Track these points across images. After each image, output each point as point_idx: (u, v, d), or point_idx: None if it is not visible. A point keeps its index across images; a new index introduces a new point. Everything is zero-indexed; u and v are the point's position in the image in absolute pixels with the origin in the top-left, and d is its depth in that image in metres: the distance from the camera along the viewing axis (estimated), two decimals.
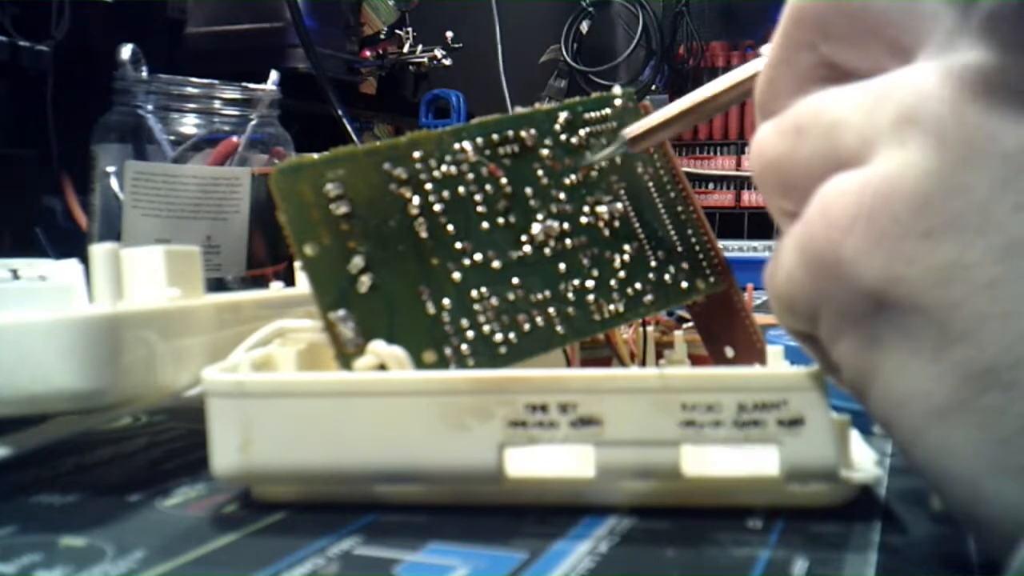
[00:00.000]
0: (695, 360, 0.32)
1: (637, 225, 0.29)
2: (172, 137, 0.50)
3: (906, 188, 0.15)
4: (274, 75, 0.52)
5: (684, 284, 0.29)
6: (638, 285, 0.28)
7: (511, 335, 0.25)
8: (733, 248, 1.10)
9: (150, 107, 0.49)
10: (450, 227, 0.25)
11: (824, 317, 0.17)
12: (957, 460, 0.15)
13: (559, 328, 0.26)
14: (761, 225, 2.17)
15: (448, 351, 0.24)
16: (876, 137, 0.16)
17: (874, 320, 0.16)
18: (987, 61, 0.15)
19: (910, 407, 0.16)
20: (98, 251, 0.25)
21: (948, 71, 0.15)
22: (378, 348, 0.22)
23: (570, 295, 0.26)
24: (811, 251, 0.17)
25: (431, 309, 0.24)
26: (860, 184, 0.16)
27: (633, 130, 0.27)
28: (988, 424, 0.15)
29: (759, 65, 0.23)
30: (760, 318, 0.30)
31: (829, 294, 0.17)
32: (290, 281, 0.33)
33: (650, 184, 0.30)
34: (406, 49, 1.12)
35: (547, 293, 0.26)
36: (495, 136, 0.27)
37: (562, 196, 0.27)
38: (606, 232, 0.28)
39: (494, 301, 0.25)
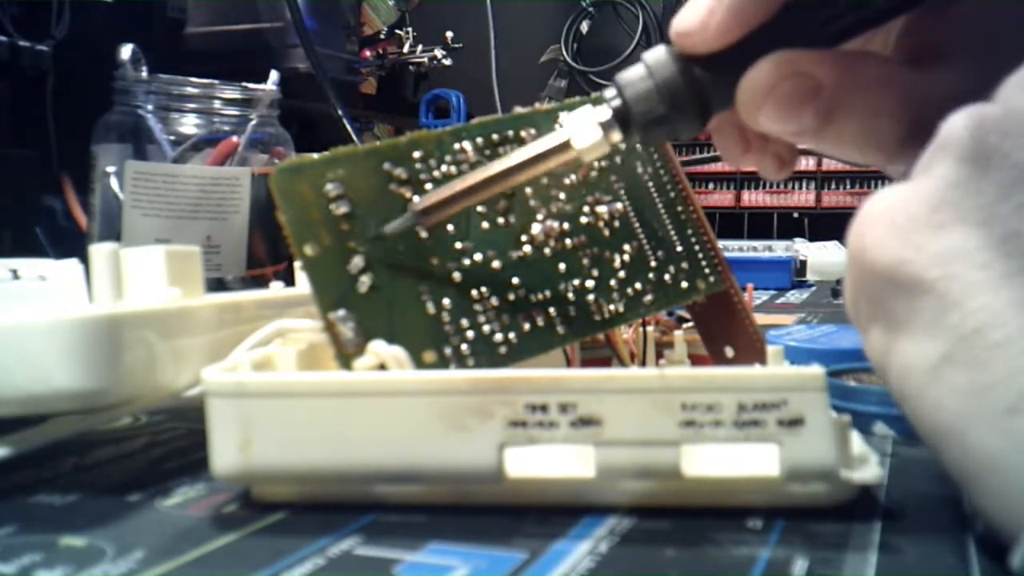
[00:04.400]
0: (695, 360, 0.32)
1: (637, 225, 0.29)
2: (172, 137, 0.50)
3: (926, 193, 0.18)
4: (274, 75, 0.52)
5: (684, 284, 0.29)
6: (638, 285, 0.28)
7: (511, 335, 0.25)
8: (733, 248, 1.10)
9: (150, 107, 0.49)
10: (450, 227, 0.25)
11: (861, 307, 0.20)
12: (948, 413, 0.17)
13: (559, 328, 0.26)
14: (761, 225, 2.17)
15: (448, 351, 0.24)
16: (919, 170, 0.19)
17: (892, 302, 0.18)
18: (1003, 106, 0.18)
19: (913, 371, 0.18)
20: (98, 251, 0.25)
21: (974, 111, 0.18)
22: (378, 348, 0.22)
23: (570, 295, 0.26)
24: (848, 248, 0.20)
25: (431, 309, 0.24)
26: (890, 192, 0.19)
27: (424, 202, 0.24)
28: (974, 374, 0.17)
29: (563, 136, 0.24)
30: (760, 318, 0.30)
31: (859, 279, 0.19)
32: (290, 281, 0.33)
33: (650, 184, 0.30)
34: (406, 49, 1.12)
35: (547, 293, 0.26)
36: (495, 136, 0.27)
37: (562, 196, 0.27)
38: (606, 232, 0.28)
39: (494, 301, 0.25)
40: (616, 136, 0.23)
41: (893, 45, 0.25)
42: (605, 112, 0.23)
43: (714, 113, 0.23)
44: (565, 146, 0.24)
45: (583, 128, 0.23)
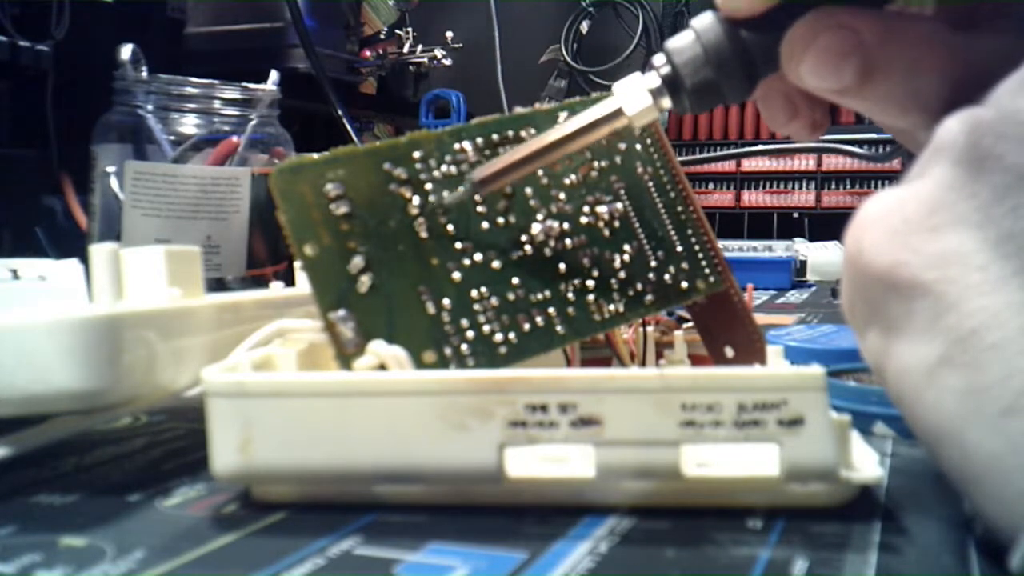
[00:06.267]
0: (695, 360, 0.32)
1: (637, 225, 0.29)
2: (172, 137, 0.50)
3: (921, 196, 0.18)
4: (274, 75, 0.52)
5: (684, 284, 0.29)
6: (638, 285, 0.28)
7: (511, 335, 0.25)
8: (733, 248, 1.10)
9: (150, 107, 0.49)
10: (450, 227, 0.25)
11: (857, 310, 0.20)
12: (946, 415, 0.17)
13: (559, 328, 0.26)
14: (761, 225, 2.17)
15: (448, 351, 0.24)
16: (915, 173, 0.19)
17: (889, 305, 0.19)
18: (997, 109, 0.18)
19: (911, 373, 0.18)
20: (98, 251, 0.25)
21: (968, 114, 0.18)
22: (378, 348, 0.22)
23: (570, 295, 0.26)
24: (845, 250, 0.20)
25: (431, 309, 0.24)
26: (886, 195, 0.19)
27: (482, 172, 0.25)
28: (972, 375, 0.17)
29: (615, 104, 0.24)
30: (760, 318, 0.30)
31: (856, 282, 0.20)
32: (290, 281, 0.33)
33: (650, 184, 0.30)
34: (406, 49, 1.11)
35: (547, 293, 0.26)
36: (495, 136, 0.27)
37: (562, 196, 0.27)
38: (606, 232, 0.28)
39: (494, 301, 0.25)
40: (666, 102, 0.24)
41: (932, 11, 0.24)
42: (655, 79, 0.24)
43: (761, 76, 0.24)
44: (617, 114, 0.24)
45: (634, 95, 0.24)
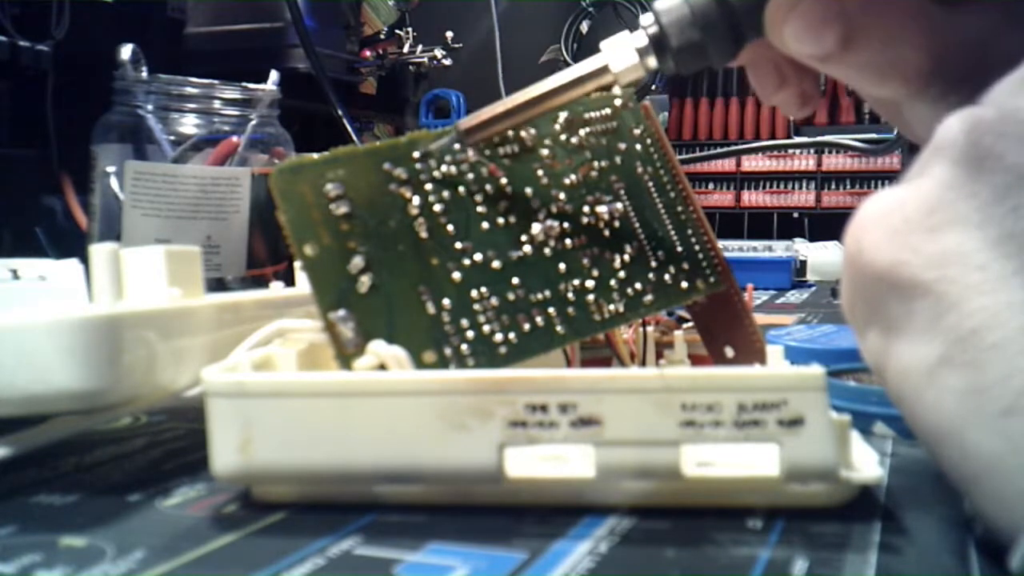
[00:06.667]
0: (695, 360, 0.32)
1: (637, 225, 0.29)
2: (172, 137, 0.50)
3: (922, 195, 0.18)
4: (274, 75, 0.52)
5: (684, 284, 0.29)
6: (638, 285, 0.28)
7: (511, 335, 0.25)
8: (733, 248, 1.10)
9: (150, 107, 0.49)
10: (450, 227, 0.25)
11: (857, 310, 0.20)
12: (946, 415, 0.17)
13: (559, 328, 0.26)
14: (761, 225, 2.17)
15: (448, 351, 0.24)
16: (915, 173, 0.19)
17: (889, 305, 0.19)
18: (997, 109, 0.18)
19: (911, 373, 0.18)
20: (98, 251, 0.25)
21: (968, 114, 0.18)
22: (378, 348, 0.22)
23: (570, 295, 0.26)
24: (845, 250, 0.20)
25: (431, 309, 0.24)
26: (886, 195, 0.19)
27: (468, 121, 0.25)
28: (972, 375, 0.17)
29: (601, 60, 0.25)
30: (760, 318, 0.30)
31: (856, 282, 0.20)
32: (290, 281, 0.33)
33: (650, 184, 0.30)
34: (406, 49, 1.11)
35: (547, 293, 0.26)
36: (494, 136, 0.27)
37: (562, 196, 0.27)
38: (606, 232, 0.28)
39: (494, 301, 0.25)
40: (652, 62, 0.24)
41: None
42: (642, 38, 0.24)
43: (747, 39, 0.24)
44: (603, 70, 0.25)
45: (620, 53, 0.25)
